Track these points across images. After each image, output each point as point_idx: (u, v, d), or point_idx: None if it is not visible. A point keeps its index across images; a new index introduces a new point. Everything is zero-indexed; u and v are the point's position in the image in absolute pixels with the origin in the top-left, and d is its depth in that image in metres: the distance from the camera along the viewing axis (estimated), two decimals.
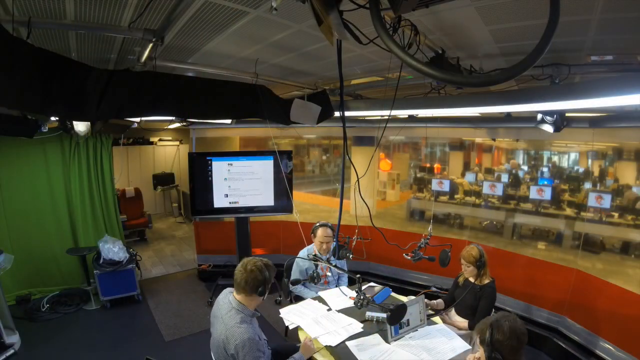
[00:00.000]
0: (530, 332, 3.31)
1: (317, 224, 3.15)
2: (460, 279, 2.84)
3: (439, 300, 2.89)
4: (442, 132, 5.43)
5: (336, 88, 3.31)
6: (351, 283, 3.18)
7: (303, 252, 3.17)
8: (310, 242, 3.22)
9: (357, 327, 2.38)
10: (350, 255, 2.48)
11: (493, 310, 2.70)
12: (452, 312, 2.75)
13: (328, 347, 2.18)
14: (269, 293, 2.11)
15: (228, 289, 2.11)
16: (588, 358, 3.09)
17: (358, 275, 2.22)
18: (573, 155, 6.09)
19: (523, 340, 1.53)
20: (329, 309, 2.64)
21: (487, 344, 1.53)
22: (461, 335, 2.55)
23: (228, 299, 2.02)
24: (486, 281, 2.65)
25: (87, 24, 1.71)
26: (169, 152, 8.42)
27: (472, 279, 2.71)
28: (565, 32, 1.72)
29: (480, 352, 1.62)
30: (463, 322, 2.66)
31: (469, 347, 2.26)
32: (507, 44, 2.00)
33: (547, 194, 4.85)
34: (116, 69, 2.23)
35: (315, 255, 2.85)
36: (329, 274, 3.18)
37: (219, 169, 4.34)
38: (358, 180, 1.77)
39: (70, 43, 2.06)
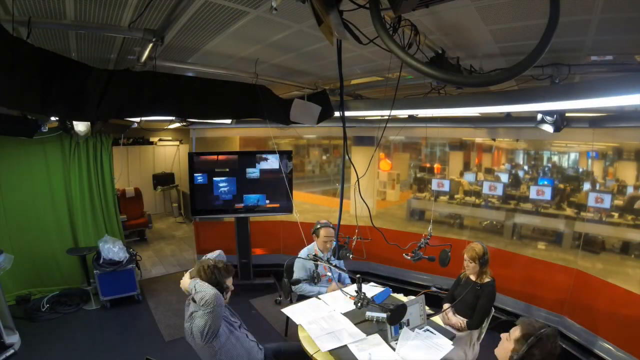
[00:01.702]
0: None
1: (318, 225, 3.16)
2: (463, 276, 2.84)
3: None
4: (442, 132, 5.43)
5: (336, 88, 3.31)
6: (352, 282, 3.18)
7: (304, 252, 3.17)
8: (310, 241, 3.22)
9: (360, 335, 2.32)
10: (350, 255, 2.48)
11: (493, 309, 2.70)
12: (451, 312, 2.74)
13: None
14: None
15: None
16: (588, 358, 3.09)
17: (358, 275, 2.22)
18: (573, 155, 6.10)
19: None
20: (332, 310, 2.64)
21: (524, 350, 1.53)
22: (459, 336, 2.55)
23: (190, 305, 2.03)
24: (487, 280, 2.65)
25: (87, 24, 1.71)
26: (169, 152, 8.42)
27: (473, 277, 2.71)
28: (565, 32, 1.72)
29: (508, 345, 1.61)
30: (462, 322, 2.65)
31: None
32: (507, 44, 2.00)
33: (547, 194, 4.86)
34: (116, 69, 2.22)
35: (315, 255, 2.85)
36: (328, 273, 3.18)
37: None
38: (358, 180, 1.77)
39: (70, 43, 2.06)
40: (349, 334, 2.31)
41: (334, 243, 3.11)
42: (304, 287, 3.07)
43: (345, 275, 3.25)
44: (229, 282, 2.08)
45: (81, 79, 1.72)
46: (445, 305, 2.80)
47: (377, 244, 2.72)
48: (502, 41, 1.96)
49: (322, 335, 2.29)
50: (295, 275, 3.14)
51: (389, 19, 1.37)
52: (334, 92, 3.28)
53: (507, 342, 1.63)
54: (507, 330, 1.69)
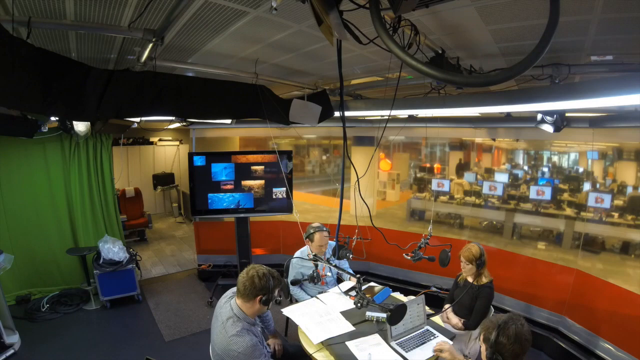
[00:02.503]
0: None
1: (311, 230, 3.04)
2: (460, 279, 2.84)
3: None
4: (442, 132, 5.43)
5: (336, 88, 3.31)
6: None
7: (297, 255, 3.14)
8: None
9: (360, 335, 2.32)
10: (350, 255, 2.48)
11: (493, 310, 2.70)
12: (450, 312, 2.74)
13: (328, 347, 2.18)
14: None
15: (232, 290, 2.07)
16: (588, 358, 3.09)
17: (358, 275, 2.22)
18: (573, 155, 6.10)
19: (526, 347, 1.52)
20: (332, 310, 2.63)
21: (491, 345, 1.53)
22: (458, 335, 2.55)
23: (229, 304, 1.98)
24: (484, 281, 2.64)
25: (87, 24, 1.71)
26: (169, 152, 8.42)
27: (470, 279, 2.70)
28: (565, 32, 1.73)
29: (482, 348, 1.62)
30: (457, 321, 2.65)
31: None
32: (507, 44, 2.01)
33: (547, 194, 4.85)
34: (116, 69, 2.23)
35: (315, 255, 2.85)
36: (328, 273, 3.18)
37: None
38: (358, 180, 1.77)
39: (70, 43, 2.06)
40: (348, 334, 2.31)
41: (330, 244, 3.11)
42: (296, 292, 3.06)
43: (346, 277, 3.24)
44: (276, 292, 2.02)
45: (81, 79, 1.72)
46: (445, 307, 2.80)
47: (377, 244, 2.72)
48: (502, 41, 1.96)
49: (322, 336, 2.29)
50: (289, 277, 3.12)
51: (389, 19, 1.37)
52: (334, 92, 3.28)
53: (481, 345, 1.65)
54: None
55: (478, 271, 2.62)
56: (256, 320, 2.04)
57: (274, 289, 1.96)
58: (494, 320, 1.59)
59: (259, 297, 1.91)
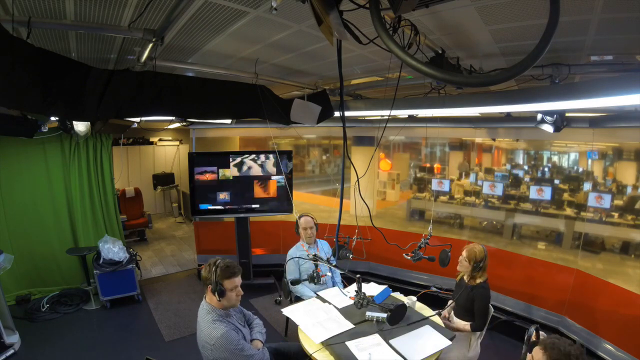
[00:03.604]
0: None
1: (298, 217, 3.21)
2: (457, 278, 2.83)
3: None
4: (442, 132, 5.43)
5: (336, 88, 3.31)
6: (349, 282, 3.17)
7: (292, 251, 3.18)
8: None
9: (359, 335, 2.31)
10: (350, 255, 2.48)
11: (492, 310, 2.69)
12: (452, 314, 2.73)
13: (328, 347, 2.18)
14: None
15: None
16: (588, 358, 3.08)
17: (358, 276, 2.22)
18: (573, 155, 6.10)
19: None
20: (331, 307, 2.63)
21: None
22: (459, 336, 2.54)
23: (202, 303, 2.06)
24: (479, 281, 2.60)
25: (87, 24, 1.71)
26: (169, 152, 8.42)
27: (466, 278, 2.67)
28: (565, 32, 1.73)
29: None
30: (464, 325, 2.62)
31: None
32: (507, 44, 2.01)
33: (546, 194, 4.86)
34: (116, 69, 2.23)
35: (315, 255, 2.85)
36: (328, 273, 3.18)
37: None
38: (358, 180, 1.77)
39: (70, 43, 2.06)
40: (349, 335, 2.31)
41: (323, 243, 3.14)
42: (299, 289, 3.05)
43: (337, 273, 3.24)
44: (229, 283, 1.96)
45: (81, 79, 1.73)
46: (444, 312, 2.75)
47: (377, 244, 2.72)
48: (502, 41, 1.96)
49: (322, 336, 2.30)
50: (288, 277, 3.10)
51: (389, 19, 1.37)
52: (334, 92, 3.28)
53: None
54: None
55: (473, 272, 2.59)
56: (230, 311, 2.07)
57: (220, 278, 1.93)
58: (563, 349, 1.49)
59: (209, 288, 1.96)
